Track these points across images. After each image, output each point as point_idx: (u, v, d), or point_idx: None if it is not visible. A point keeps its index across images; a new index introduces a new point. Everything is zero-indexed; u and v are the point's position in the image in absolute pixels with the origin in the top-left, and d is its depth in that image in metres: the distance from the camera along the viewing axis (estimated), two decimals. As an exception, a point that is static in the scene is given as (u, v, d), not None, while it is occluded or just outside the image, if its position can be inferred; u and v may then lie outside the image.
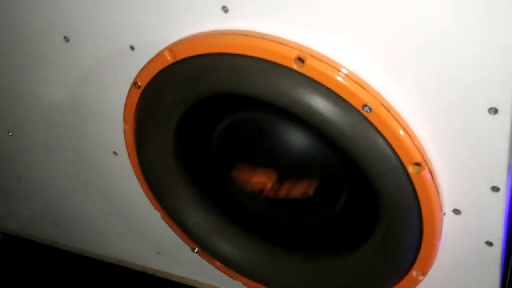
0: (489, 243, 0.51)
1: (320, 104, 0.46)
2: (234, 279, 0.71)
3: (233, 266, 0.69)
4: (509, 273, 0.68)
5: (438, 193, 0.49)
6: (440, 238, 0.52)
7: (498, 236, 0.50)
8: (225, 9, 0.48)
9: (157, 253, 0.81)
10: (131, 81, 0.57)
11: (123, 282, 0.90)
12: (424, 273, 0.55)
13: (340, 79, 0.45)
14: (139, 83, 0.56)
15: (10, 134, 0.78)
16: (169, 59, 0.52)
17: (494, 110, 0.42)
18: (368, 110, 0.45)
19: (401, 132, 0.46)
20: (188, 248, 0.71)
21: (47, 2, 0.58)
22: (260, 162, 0.61)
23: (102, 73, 0.61)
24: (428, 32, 0.41)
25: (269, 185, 0.61)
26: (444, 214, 0.51)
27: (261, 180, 0.61)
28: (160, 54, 0.53)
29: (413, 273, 0.55)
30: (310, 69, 0.46)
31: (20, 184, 0.86)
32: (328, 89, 0.46)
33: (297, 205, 0.62)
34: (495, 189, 0.47)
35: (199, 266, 0.75)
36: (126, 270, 0.88)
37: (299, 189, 0.60)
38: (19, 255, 1.08)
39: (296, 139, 0.57)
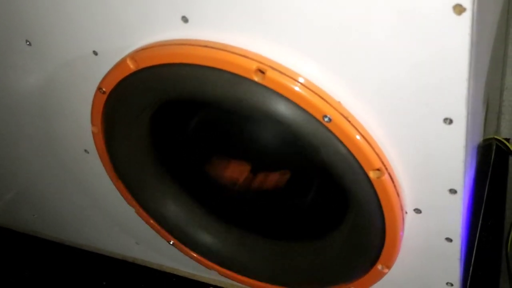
0: (449, 239, 0.53)
1: (281, 116, 0.47)
2: (209, 268, 0.73)
3: (209, 256, 0.71)
4: (472, 265, 0.72)
5: (398, 194, 0.50)
6: (402, 234, 0.54)
7: (457, 233, 0.52)
8: (184, 19, 0.48)
9: (136, 243, 0.82)
10: (96, 85, 0.57)
11: (104, 270, 0.92)
12: (388, 266, 0.57)
13: (300, 90, 0.46)
14: (103, 89, 0.56)
15: (-19, 131, 0.78)
16: (132, 67, 0.52)
17: (449, 120, 0.43)
18: (328, 120, 0.46)
19: (361, 140, 0.47)
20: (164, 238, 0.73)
21: (8, 4, 0.57)
22: (233, 154, 0.62)
23: (67, 77, 0.60)
24: (381, 49, 0.41)
25: (241, 179, 0.62)
26: (406, 213, 0.53)
27: (233, 174, 0.63)
28: (123, 62, 0.52)
29: (379, 266, 0.57)
30: (271, 80, 0.46)
31: (-5, 177, 0.87)
32: (289, 100, 0.46)
33: (271, 194, 0.64)
34: (452, 191, 0.49)
35: (177, 255, 0.76)
36: (106, 258, 0.89)
37: (271, 181, 0.61)
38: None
39: (268, 134, 0.58)
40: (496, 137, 0.82)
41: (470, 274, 0.72)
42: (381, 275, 0.58)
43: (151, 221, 0.70)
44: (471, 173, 0.55)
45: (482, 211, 0.80)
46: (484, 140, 0.79)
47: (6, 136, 0.75)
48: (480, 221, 0.78)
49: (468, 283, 0.70)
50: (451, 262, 0.55)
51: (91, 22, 0.53)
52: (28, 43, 0.59)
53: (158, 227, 0.71)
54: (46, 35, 0.57)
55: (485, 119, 0.63)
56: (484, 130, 0.64)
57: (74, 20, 0.54)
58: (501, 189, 0.82)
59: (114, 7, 0.50)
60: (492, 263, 0.77)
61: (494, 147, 0.87)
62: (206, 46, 0.47)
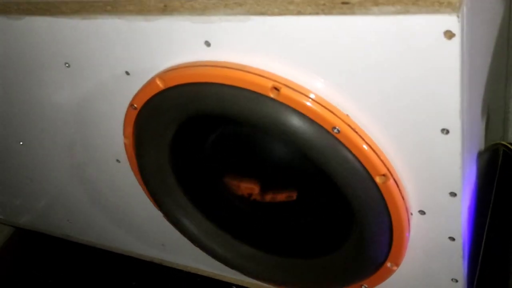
0: (452, 238, 0.58)
1: (295, 127, 0.52)
2: (232, 268, 0.78)
3: (226, 263, 0.76)
4: (479, 263, 0.76)
5: (403, 197, 0.55)
6: (409, 234, 0.58)
7: (458, 233, 0.57)
8: (207, 43, 0.54)
9: (162, 245, 0.88)
10: (128, 101, 0.63)
11: (133, 271, 0.98)
12: (397, 264, 0.62)
13: (311, 105, 0.51)
14: (135, 105, 0.62)
15: (21, 143, 0.84)
16: (161, 86, 0.58)
17: (446, 131, 0.48)
18: (337, 132, 0.51)
19: (367, 149, 0.52)
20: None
21: (50, 32, 0.63)
22: (245, 172, 0.67)
23: (102, 94, 0.66)
24: (382, 69, 0.47)
25: (256, 190, 0.67)
26: (411, 214, 0.58)
27: (244, 191, 0.67)
28: (152, 81, 0.58)
29: (388, 264, 0.62)
30: (285, 97, 0.51)
31: (31, 185, 0.93)
32: (301, 114, 0.52)
33: (279, 212, 0.68)
34: (452, 194, 0.53)
35: (201, 256, 0.82)
36: (136, 260, 0.95)
37: (284, 194, 0.66)
38: (34, 247, 1.16)
39: (279, 151, 0.63)
40: (502, 142, 0.86)
41: (477, 272, 0.76)
42: (390, 272, 0.63)
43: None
44: (472, 177, 0.59)
45: (490, 212, 0.84)
46: (492, 145, 0.83)
47: (45, 147, 0.82)
48: (488, 222, 0.82)
49: (475, 281, 0.74)
50: (454, 260, 0.60)
51: (124, 46, 0.59)
52: (67, 65, 0.65)
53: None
54: (84, 58, 0.63)
55: (486, 126, 0.67)
56: (486, 137, 0.69)
57: (109, 44, 0.60)
58: (508, 191, 0.86)
59: (145, 33, 0.56)
60: (500, 262, 0.81)
61: (501, 152, 0.91)
62: (226, 67, 0.53)
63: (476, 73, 0.53)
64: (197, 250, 0.79)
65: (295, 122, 0.52)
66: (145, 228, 0.87)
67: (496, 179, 0.87)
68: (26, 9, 0.62)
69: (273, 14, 0.48)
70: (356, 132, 0.52)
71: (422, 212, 0.57)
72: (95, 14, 0.58)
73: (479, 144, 0.63)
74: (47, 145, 0.81)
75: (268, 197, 0.65)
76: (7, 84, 0.75)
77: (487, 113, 0.66)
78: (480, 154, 0.69)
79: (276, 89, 0.51)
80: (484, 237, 0.80)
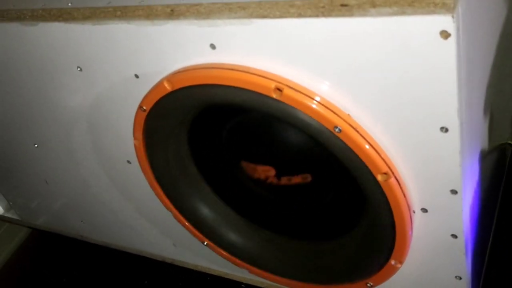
0: (454, 236, 0.59)
1: (298, 126, 0.54)
2: (240, 267, 0.80)
3: (240, 256, 0.78)
4: (486, 261, 0.76)
5: (405, 195, 0.56)
6: (412, 232, 0.59)
7: (460, 230, 0.58)
8: (212, 46, 0.55)
9: (173, 245, 0.90)
10: (137, 104, 0.65)
11: (146, 270, 1.00)
12: (401, 262, 0.63)
13: (313, 105, 0.53)
14: (144, 107, 0.64)
15: (36, 146, 0.87)
16: (168, 88, 0.60)
17: (445, 129, 0.49)
18: (339, 131, 0.53)
19: (368, 148, 0.53)
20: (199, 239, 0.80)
21: (63, 37, 0.66)
22: (260, 159, 0.69)
23: (112, 97, 0.69)
24: (381, 68, 0.48)
25: (272, 172, 0.68)
26: (414, 212, 0.59)
27: (260, 176, 0.69)
28: (160, 84, 0.60)
29: (392, 261, 0.63)
30: (287, 97, 0.53)
31: (47, 187, 0.96)
32: (304, 113, 0.53)
33: (295, 196, 0.70)
34: (453, 192, 0.54)
35: (211, 255, 0.83)
36: (147, 259, 0.97)
37: (299, 176, 0.67)
38: (50, 247, 1.19)
39: (292, 140, 0.64)
40: (510, 142, 0.86)
41: (484, 270, 0.77)
42: (395, 269, 0.64)
43: (187, 224, 0.78)
44: (474, 175, 0.60)
45: (497, 211, 0.84)
46: (500, 145, 0.84)
47: (59, 149, 0.85)
48: (495, 221, 0.83)
49: (482, 279, 0.75)
50: (457, 257, 0.60)
51: (133, 50, 0.61)
52: (79, 69, 0.68)
53: (193, 229, 0.78)
54: (95, 62, 0.66)
55: (490, 125, 0.68)
56: (490, 136, 0.69)
57: (119, 48, 0.62)
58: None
59: (153, 37, 0.58)
60: (508, 260, 0.81)
61: (509, 151, 0.91)
62: (231, 69, 0.55)
63: (476, 71, 0.54)
64: (207, 250, 0.81)
65: (297, 121, 0.54)
66: (156, 228, 0.89)
67: (504, 179, 0.87)
68: (40, 15, 0.64)
69: (274, 17, 0.50)
70: (357, 131, 0.53)
71: (424, 210, 0.58)
72: (106, 19, 0.60)
73: (481, 142, 0.63)
74: (61, 147, 0.83)
75: (284, 180, 0.67)
76: (23, 88, 0.77)
77: (490, 112, 0.66)
78: (486, 154, 0.70)
79: (279, 89, 0.53)
80: (492, 236, 0.81)
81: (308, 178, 0.66)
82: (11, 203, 1.12)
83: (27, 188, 1.01)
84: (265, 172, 0.67)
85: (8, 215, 1.15)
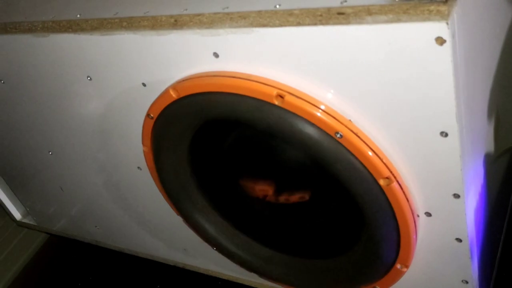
0: (459, 240, 0.59)
1: (299, 133, 0.55)
2: (250, 271, 0.81)
3: (244, 265, 0.79)
4: (496, 266, 0.76)
5: (408, 200, 0.56)
6: (416, 236, 0.60)
7: (465, 234, 0.58)
8: (216, 55, 0.57)
9: (184, 249, 0.91)
10: (145, 111, 0.67)
11: (158, 275, 1.01)
12: (407, 266, 0.63)
13: (314, 111, 0.53)
14: (151, 115, 0.66)
15: (50, 153, 0.89)
16: (174, 96, 0.61)
17: (444, 134, 0.50)
18: (340, 136, 0.53)
19: (370, 153, 0.54)
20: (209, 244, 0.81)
21: (73, 47, 0.68)
22: (259, 174, 0.69)
23: (121, 105, 0.70)
24: (380, 74, 0.48)
25: (270, 191, 0.69)
26: (418, 216, 0.59)
27: (264, 187, 0.70)
28: (166, 92, 0.62)
29: (398, 265, 0.63)
30: (289, 104, 0.54)
31: (62, 193, 0.98)
32: (305, 119, 0.54)
33: (294, 213, 0.71)
34: (456, 196, 0.54)
35: (221, 260, 0.84)
36: (160, 264, 0.99)
37: (297, 195, 0.68)
38: (67, 252, 1.21)
39: (290, 154, 0.65)
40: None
41: (494, 274, 0.76)
42: (401, 273, 0.64)
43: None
44: (478, 178, 0.60)
45: (508, 214, 0.84)
46: (509, 148, 0.83)
47: (72, 156, 0.87)
48: (506, 224, 0.82)
49: (492, 283, 0.74)
50: (463, 261, 0.60)
51: (140, 59, 0.63)
52: (89, 78, 0.69)
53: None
54: (104, 71, 0.67)
55: (496, 129, 0.68)
56: (497, 140, 0.69)
57: (126, 58, 0.64)
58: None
59: (158, 47, 0.60)
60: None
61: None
62: (234, 77, 0.56)
63: (477, 75, 0.54)
64: (217, 255, 0.82)
65: (300, 127, 0.54)
66: (168, 233, 0.90)
67: (515, 182, 0.87)
68: (50, 27, 0.66)
69: (274, 25, 0.51)
70: (359, 137, 0.54)
71: (428, 214, 0.58)
72: (113, 30, 0.61)
73: (486, 146, 0.63)
74: (74, 154, 0.86)
75: (282, 198, 0.67)
76: (36, 97, 0.79)
77: (497, 115, 0.66)
78: (494, 157, 0.70)
79: (281, 96, 0.54)
80: (502, 240, 0.80)
81: (306, 197, 0.66)
82: (28, 209, 1.14)
83: (43, 194, 1.04)
84: (264, 191, 0.67)
85: (25, 220, 1.18)
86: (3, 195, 1.14)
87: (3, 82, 0.80)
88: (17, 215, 1.18)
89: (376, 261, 0.64)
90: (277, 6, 0.50)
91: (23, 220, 1.18)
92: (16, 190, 1.11)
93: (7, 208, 1.16)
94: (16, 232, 1.29)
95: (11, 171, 1.04)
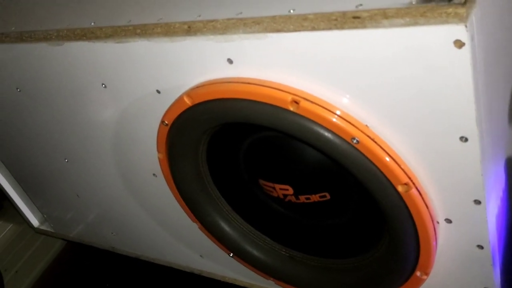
0: (480, 247, 0.57)
1: (315, 138, 0.54)
2: (266, 279, 0.80)
3: (263, 270, 0.78)
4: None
5: (427, 206, 0.55)
6: (436, 243, 0.58)
7: (486, 241, 0.56)
8: (230, 61, 0.56)
9: (200, 256, 0.91)
10: (160, 118, 0.66)
11: (175, 281, 1.01)
12: (427, 273, 0.61)
13: (330, 117, 0.52)
14: (166, 122, 0.65)
15: (66, 160, 0.90)
16: (188, 103, 0.61)
17: (464, 139, 0.49)
18: (356, 142, 0.52)
19: (387, 159, 0.53)
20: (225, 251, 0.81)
21: (88, 55, 0.68)
22: (278, 178, 0.68)
23: (136, 112, 0.70)
24: (398, 78, 0.47)
25: (291, 191, 0.68)
26: (438, 223, 0.58)
27: (284, 187, 0.69)
28: (181, 99, 0.61)
29: (417, 273, 0.62)
30: (304, 110, 0.53)
31: (78, 200, 0.99)
32: (321, 125, 0.53)
33: (314, 215, 0.70)
34: (477, 202, 0.53)
35: (237, 266, 0.84)
36: (176, 270, 0.99)
37: (317, 194, 0.67)
38: (84, 259, 1.22)
39: (307, 157, 0.64)
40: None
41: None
42: (421, 281, 0.63)
43: (211, 236, 0.78)
44: (500, 184, 0.59)
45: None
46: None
47: (88, 163, 0.87)
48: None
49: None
50: (485, 268, 0.59)
51: (154, 66, 0.63)
52: (104, 85, 0.70)
53: (217, 241, 0.79)
54: (118, 78, 0.67)
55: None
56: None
57: (140, 65, 0.63)
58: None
59: (172, 53, 0.60)
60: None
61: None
62: (248, 83, 0.55)
63: (496, 78, 0.53)
64: (234, 261, 0.81)
65: (315, 133, 0.54)
66: (184, 239, 0.90)
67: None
68: (65, 35, 0.67)
69: (288, 30, 0.50)
70: (376, 142, 0.53)
71: (448, 221, 0.57)
72: (127, 37, 0.61)
73: (507, 150, 0.62)
74: (89, 161, 0.86)
75: (303, 198, 0.66)
76: (52, 105, 0.80)
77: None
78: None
79: (296, 102, 0.53)
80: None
81: (327, 196, 0.65)
82: (45, 216, 1.15)
83: (59, 201, 1.04)
84: (283, 191, 0.67)
85: (43, 227, 1.19)
86: (21, 202, 1.14)
87: (19, 90, 0.81)
88: (35, 222, 1.19)
89: (396, 267, 0.63)
90: (291, 11, 0.50)
91: (40, 227, 1.19)
92: (34, 197, 1.12)
93: (24, 215, 1.17)
94: (34, 239, 1.30)
95: (28, 178, 1.05)
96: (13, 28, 0.73)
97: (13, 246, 1.31)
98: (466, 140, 0.49)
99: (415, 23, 0.43)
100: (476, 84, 0.45)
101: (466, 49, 0.42)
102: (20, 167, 1.03)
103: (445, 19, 0.42)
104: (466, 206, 0.54)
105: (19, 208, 1.15)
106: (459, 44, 0.43)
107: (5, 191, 1.12)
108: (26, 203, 1.15)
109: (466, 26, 0.41)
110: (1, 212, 1.38)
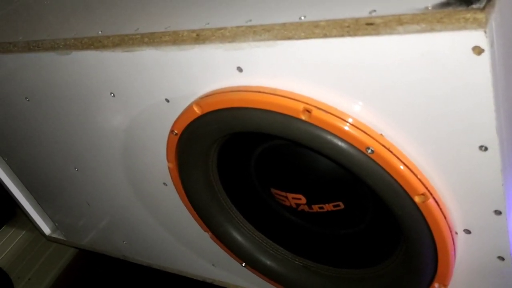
0: (501, 258, 0.55)
1: (328, 148, 0.52)
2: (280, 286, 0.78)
3: (277, 279, 0.77)
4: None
5: (445, 217, 0.53)
6: (455, 254, 0.56)
7: (507, 252, 0.54)
8: (239, 69, 0.55)
9: (213, 265, 0.89)
10: (169, 127, 0.65)
11: (186, 290, 1.00)
12: (445, 285, 0.59)
13: (343, 126, 0.51)
14: (175, 131, 0.64)
15: (76, 169, 0.89)
16: (198, 112, 0.59)
17: (484, 148, 0.47)
18: (371, 152, 0.51)
19: (403, 168, 0.51)
20: (237, 260, 0.80)
21: (95, 64, 0.67)
22: (290, 187, 0.67)
23: (145, 121, 0.69)
24: (414, 86, 0.46)
25: (303, 200, 0.67)
26: (456, 233, 0.56)
27: (296, 195, 0.68)
28: (190, 108, 0.60)
29: (435, 285, 0.60)
30: (316, 119, 0.51)
31: (89, 208, 0.98)
32: (334, 135, 0.52)
33: (328, 223, 0.68)
34: (497, 212, 0.51)
35: (250, 276, 0.82)
36: (188, 279, 0.97)
37: (331, 204, 0.65)
38: (95, 266, 1.21)
39: (321, 166, 0.63)
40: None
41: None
42: (439, 293, 0.61)
43: (223, 245, 0.77)
44: (521, 193, 0.57)
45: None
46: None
47: (98, 172, 0.86)
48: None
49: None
50: (506, 280, 0.57)
51: (162, 75, 0.61)
52: (112, 94, 0.69)
53: (229, 251, 0.78)
54: (126, 87, 0.66)
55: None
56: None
57: (149, 73, 0.62)
58: None
59: (181, 62, 0.58)
60: None
61: None
62: (258, 92, 0.54)
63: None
64: (246, 270, 0.80)
65: (329, 143, 0.52)
66: (195, 248, 0.88)
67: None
68: (72, 44, 0.66)
69: (299, 38, 0.48)
70: (391, 152, 0.51)
71: (467, 231, 0.55)
72: (134, 46, 0.60)
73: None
74: (99, 170, 0.85)
75: (316, 207, 0.65)
76: (61, 114, 0.79)
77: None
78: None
79: (308, 111, 0.52)
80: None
81: (341, 205, 0.63)
82: (57, 224, 1.15)
83: (70, 210, 1.04)
84: (296, 200, 0.65)
85: (54, 235, 1.18)
86: (32, 211, 1.14)
87: (28, 100, 0.80)
88: (46, 230, 1.18)
89: (413, 279, 0.61)
90: (302, 18, 0.48)
91: (52, 235, 1.18)
92: (45, 206, 1.12)
93: (36, 223, 1.17)
94: (46, 247, 1.30)
95: (40, 187, 1.04)
96: (20, 38, 0.73)
97: (25, 254, 1.31)
98: (486, 149, 0.47)
99: (432, 29, 0.42)
100: (496, 92, 0.43)
101: (486, 55, 0.41)
102: (31, 176, 1.03)
103: (463, 25, 0.40)
104: (486, 217, 0.52)
105: (30, 216, 1.15)
106: (478, 50, 0.41)
107: (17, 199, 1.12)
108: (37, 211, 1.15)
109: (485, 32, 0.39)
110: (13, 220, 1.38)
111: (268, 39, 0.50)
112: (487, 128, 0.45)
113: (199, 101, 0.59)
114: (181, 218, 0.81)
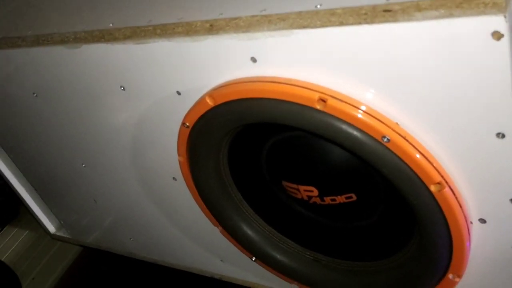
0: (516, 247, 0.55)
1: (344, 138, 0.52)
2: (290, 283, 0.78)
3: (288, 273, 0.76)
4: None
5: (461, 206, 0.53)
6: (470, 244, 0.56)
7: (523, 241, 0.54)
8: (253, 59, 0.55)
9: (221, 260, 0.89)
10: (180, 120, 0.65)
11: (194, 286, 0.99)
12: (459, 276, 0.59)
13: (359, 115, 0.51)
14: (187, 124, 0.64)
15: (83, 165, 0.88)
16: (210, 104, 0.59)
17: (501, 135, 0.47)
18: (387, 141, 0.51)
19: (419, 157, 0.51)
20: (247, 255, 0.79)
21: (106, 58, 0.66)
22: (302, 179, 0.67)
23: (155, 115, 0.69)
24: (431, 73, 0.46)
25: (315, 192, 0.66)
26: (471, 223, 0.56)
27: (308, 188, 0.67)
28: (202, 100, 0.60)
29: (450, 275, 0.60)
30: (332, 108, 0.51)
31: (95, 205, 0.97)
32: (349, 124, 0.51)
33: (340, 216, 0.68)
34: (513, 201, 0.51)
35: (259, 271, 0.82)
36: (197, 276, 0.97)
37: (343, 195, 0.65)
38: (101, 264, 1.21)
39: (334, 157, 0.62)
40: None
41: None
42: (453, 284, 0.61)
43: (233, 240, 0.77)
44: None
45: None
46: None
47: (106, 168, 0.86)
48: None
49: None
50: (520, 270, 0.57)
51: (174, 67, 0.61)
52: (122, 88, 0.68)
53: (240, 245, 0.77)
54: (137, 80, 0.66)
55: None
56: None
57: (160, 66, 0.62)
58: None
59: (194, 53, 0.58)
60: None
61: None
62: (272, 82, 0.54)
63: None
64: (255, 265, 0.80)
65: (344, 132, 0.52)
66: (204, 244, 0.88)
67: None
68: (82, 37, 0.65)
69: (315, 26, 0.48)
70: (407, 140, 0.51)
71: (482, 221, 0.55)
72: (146, 38, 0.60)
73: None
74: (107, 166, 0.84)
75: (328, 199, 0.64)
76: (69, 109, 0.79)
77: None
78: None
79: (323, 100, 0.51)
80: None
81: (353, 197, 0.63)
82: (62, 222, 1.14)
83: (76, 207, 1.03)
84: (307, 192, 0.65)
85: (59, 233, 1.18)
86: (37, 209, 1.14)
87: (36, 95, 0.80)
88: (51, 228, 1.18)
89: (427, 270, 0.61)
90: (318, 6, 0.48)
91: (57, 233, 1.18)
92: (50, 203, 1.11)
93: (41, 221, 1.16)
94: (50, 245, 1.29)
95: (45, 184, 1.04)
96: (29, 32, 0.72)
97: (30, 252, 1.30)
98: (504, 136, 0.47)
99: (450, 15, 0.42)
100: (515, 77, 0.43)
101: (505, 40, 0.41)
102: (36, 173, 1.02)
103: (483, 10, 0.40)
104: (502, 206, 0.52)
105: (35, 214, 1.15)
106: (497, 35, 0.41)
107: (22, 197, 1.11)
108: (42, 209, 1.14)
109: (505, 17, 0.39)
110: (17, 219, 1.37)
111: (283, 28, 0.50)
112: (505, 115, 0.45)
113: (211, 93, 0.59)
114: (190, 213, 0.81)
